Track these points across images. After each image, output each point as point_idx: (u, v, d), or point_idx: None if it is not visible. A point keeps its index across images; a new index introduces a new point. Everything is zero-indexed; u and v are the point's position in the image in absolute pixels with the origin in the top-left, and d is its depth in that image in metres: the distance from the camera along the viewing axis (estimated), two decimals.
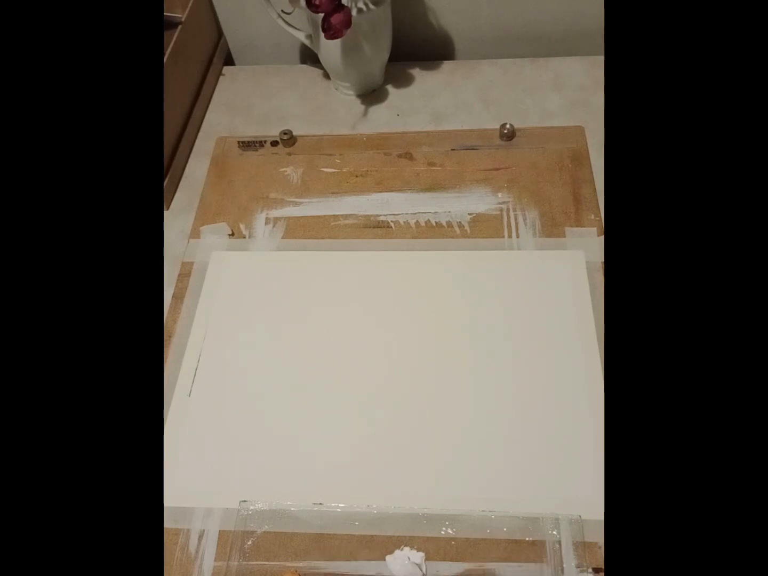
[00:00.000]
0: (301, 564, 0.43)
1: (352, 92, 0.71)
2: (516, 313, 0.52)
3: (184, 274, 0.57)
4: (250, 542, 0.43)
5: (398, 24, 0.68)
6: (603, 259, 0.54)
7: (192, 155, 0.67)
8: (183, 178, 0.65)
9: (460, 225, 0.58)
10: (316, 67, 0.73)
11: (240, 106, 0.72)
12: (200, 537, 0.44)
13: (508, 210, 0.59)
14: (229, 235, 0.59)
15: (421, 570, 0.41)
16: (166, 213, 0.63)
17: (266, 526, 0.44)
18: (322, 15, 0.59)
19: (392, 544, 0.43)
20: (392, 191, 0.61)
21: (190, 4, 0.67)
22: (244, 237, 0.59)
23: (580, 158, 0.62)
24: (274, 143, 0.66)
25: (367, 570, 0.42)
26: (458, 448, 0.46)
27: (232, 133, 0.68)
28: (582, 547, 0.42)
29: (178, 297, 0.55)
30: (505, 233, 0.57)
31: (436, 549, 0.42)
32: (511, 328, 0.51)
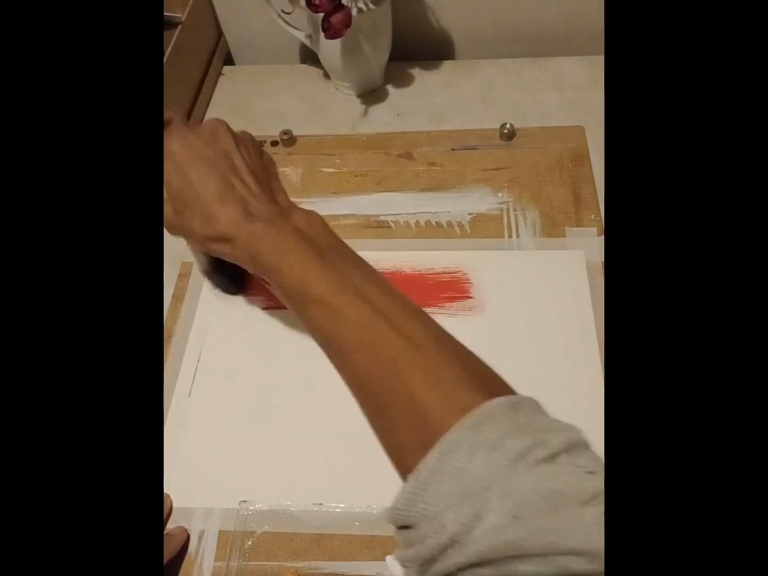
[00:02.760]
0: (301, 564, 0.43)
1: (352, 92, 0.71)
2: (515, 312, 0.52)
3: (184, 274, 0.57)
4: (250, 542, 0.43)
5: (398, 24, 0.68)
6: (603, 259, 0.54)
7: None
8: None
9: (460, 225, 0.58)
10: (316, 67, 0.73)
11: (240, 106, 0.72)
12: (200, 537, 0.44)
13: (508, 210, 0.59)
14: None
15: None
16: None
17: (266, 526, 0.44)
18: (322, 15, 0.59)
19: (392, 544, 0.43)
20: (392, 191, 0.61)
21: (190, 4, 0.67)
22: None
23: (580, 158, 0.62)
24: (274, 143, 0.66)
25: (367, 570, 0.42)
26: None
27: None
28: None
29: (178, 297, 0.55)
30: (505, 233, 0.57)
31: None
32: (510, 328, 0.51)
